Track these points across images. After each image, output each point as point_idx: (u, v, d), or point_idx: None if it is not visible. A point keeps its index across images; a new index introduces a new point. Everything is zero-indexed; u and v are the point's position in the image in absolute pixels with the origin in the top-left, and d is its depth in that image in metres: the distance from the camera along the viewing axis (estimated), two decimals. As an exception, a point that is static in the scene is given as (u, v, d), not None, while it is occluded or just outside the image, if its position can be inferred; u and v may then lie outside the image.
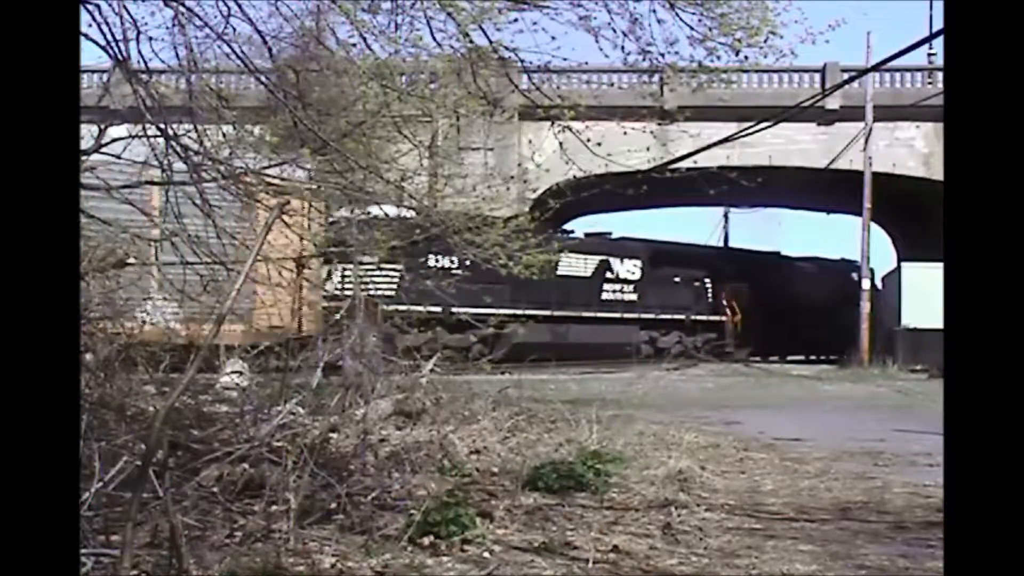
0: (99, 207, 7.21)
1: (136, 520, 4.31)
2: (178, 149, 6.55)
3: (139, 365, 6.98)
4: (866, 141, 31.61)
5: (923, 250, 27.60)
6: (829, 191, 37.03)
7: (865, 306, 31.31)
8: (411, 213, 24.11)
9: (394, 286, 25.32)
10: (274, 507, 5.60)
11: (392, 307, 23.73)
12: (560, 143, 9.78)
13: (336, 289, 23.44)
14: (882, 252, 47.09)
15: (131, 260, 7.83)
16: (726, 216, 47.82)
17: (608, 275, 32.17)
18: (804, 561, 5.42)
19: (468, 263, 25.64)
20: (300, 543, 5.25)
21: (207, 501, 5.60)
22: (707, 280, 35.29)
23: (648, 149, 10.65)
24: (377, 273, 24.41)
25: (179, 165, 6.77)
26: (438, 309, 24.99)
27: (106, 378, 6.40)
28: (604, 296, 31.90)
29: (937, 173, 30.52)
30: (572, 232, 31.91)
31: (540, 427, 9.93)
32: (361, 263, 24.54)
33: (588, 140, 9.80)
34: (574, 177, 10.91)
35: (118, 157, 6.72)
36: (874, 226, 34.03)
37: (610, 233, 34.58)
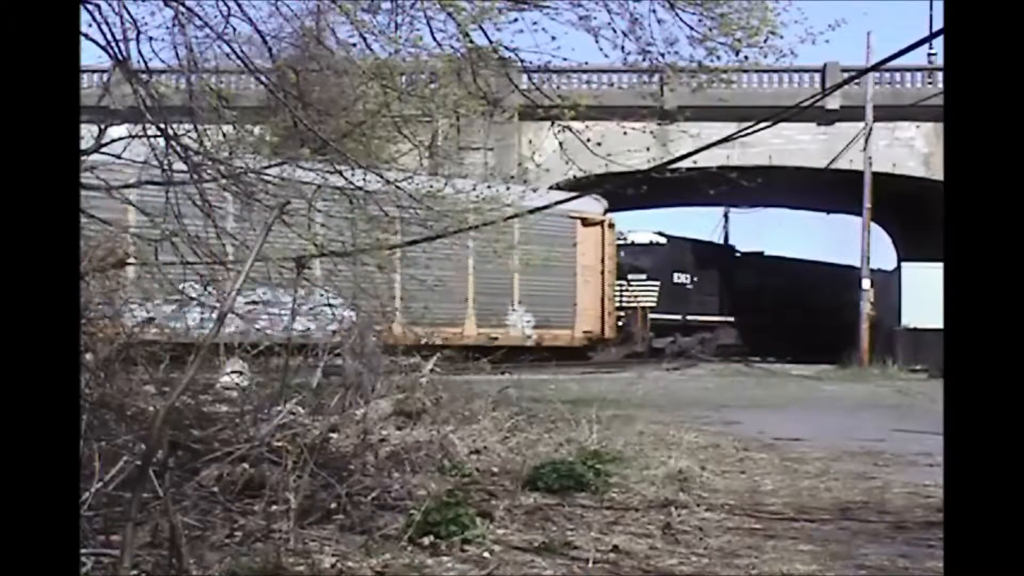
0: (99, 207, 7.20)
1: (136, 520, 4.30)
2: (178, 149, 6.56)
3: (139, 365, 6.97)
4: (866, 141, 31.59)
5: (923, 250, 27.62)
6: (829, 191, 37.04)
7: (865, 306, 31.32)
8: (662, 239, 31.53)
9: (655, 297, 33.06)
10: (274, 507, 5.60)
11: (654, 316, 32.80)
12: (560, 143, 9.76)
13: (618, 300, 30.89)
14: (882, 252, 47.42)
15: (131, 260, 7.82)
16: (726, 216, 48.19)
17: (753, 286, 37.74)
18: (804, 561, 5.43)
19: (696, 279, 35.13)
20: (300, 543, 5.25)
21: (207, 501, 5.60)
22: (823, 291, 40.81)
23: (648, 149, 10.62)
24: (645, 287, 32.89)
25: (179, 165, 6.77)
26: (677, 317, 34.00)
27: (106, 378, 6.40)
28: (763, 305, 37.60)
29: (937, 173, 30.53)
30: (736, 250, 40.64)
31: (540, 427, 9.92)
32: (632, 280, 32.14)
33: (588, 140, 9.77)
34: (574, 177, 10.90)
35: (118, 157, 6.71)
36: (874, 226, 34.04)
37: (762, 252, 41.64)
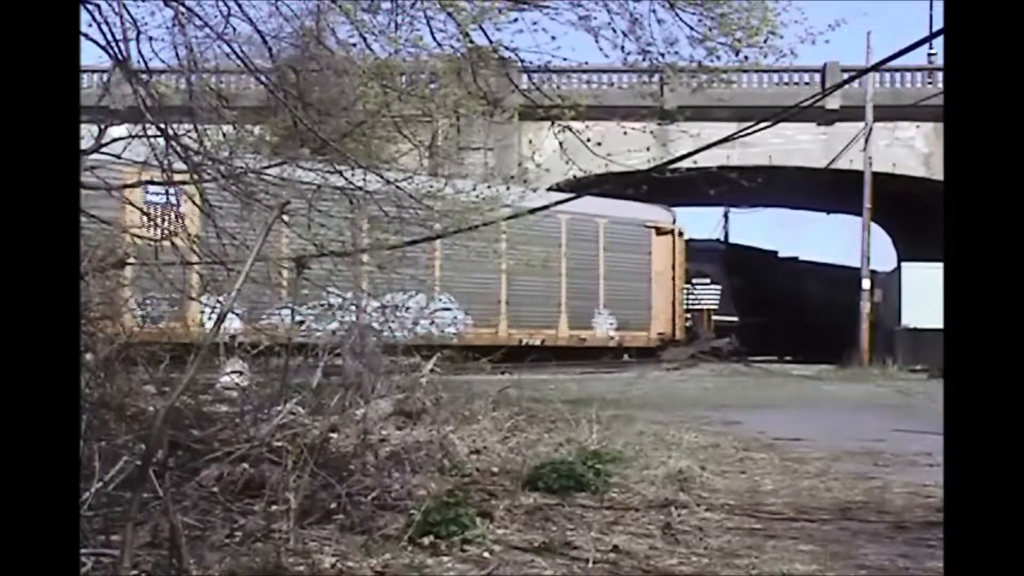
0: (99, 207, 7.19)
1: (136, 520, 4.30)
2: (178, 149, 6.55)
3: (139, 365, 6.97)
4: (866, 141, 31.59)
5: (923, 250, 27.62)
6: (829, 191, 37.05)
7: (865, 306, 31.32)
8: (722, 246, 34.80)
9: (717, 300, 35.72)
10: (274, 507, 5.60)
11: (717, 317, 35.51)
12: (560, 143, 9.75)
13: (688, 303, 33.66)
14: (882, 252, 47.59)
15: (131, 260, 7.81)
16: (726, 216, 48.31)
17: (790, 288, 39.77)
18: (804, 561, 5.43)
19: (750, 283, 36.98)
20: (300, 543, 5.25)
21: (207, 501, 5.60)
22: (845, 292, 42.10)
23: (648, 149, 10.61)
24: (708, 290, 35.64)
25: (179, 165, 6.77)
26: (736, 318, 36.13)
27: (106, 378, 6.39)
28: (792, 304, 39.62)
29: (937, 173, 30.53)
30: (777, 254, 42.76)
31: (540, 427, 9.93)
32: (697, 284, 34.88)
33: (588, 140, 9.77)
34: (574, 177, 10.88)
35: (118, 157, 6.71)
36: (874, 226, 34.04)
37: (797, 257, 44.11)
